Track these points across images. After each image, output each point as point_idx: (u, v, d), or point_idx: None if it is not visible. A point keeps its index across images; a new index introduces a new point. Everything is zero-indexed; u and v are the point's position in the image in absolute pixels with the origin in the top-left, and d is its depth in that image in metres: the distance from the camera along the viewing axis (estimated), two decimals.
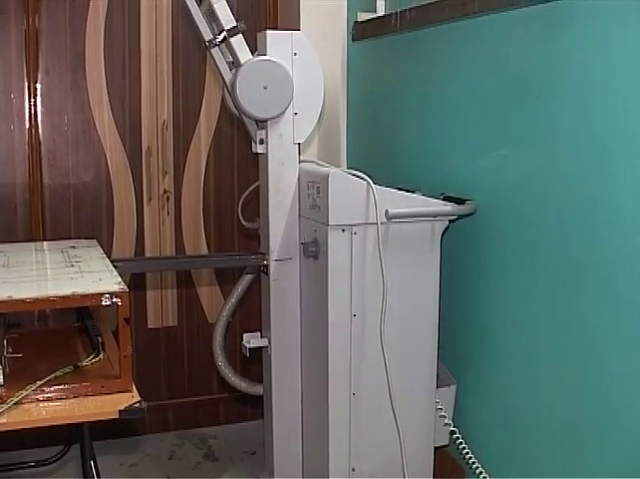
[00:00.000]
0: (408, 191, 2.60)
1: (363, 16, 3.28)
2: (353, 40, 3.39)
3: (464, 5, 2.51)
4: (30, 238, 3.50)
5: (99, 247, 2.68)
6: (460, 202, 2.58)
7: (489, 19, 2.47)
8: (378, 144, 3.28)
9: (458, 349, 2.75)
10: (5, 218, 3.50)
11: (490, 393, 2.61)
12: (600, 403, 2.09)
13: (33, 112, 3.51)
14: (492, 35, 2.48)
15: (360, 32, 3.32)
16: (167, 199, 3.72)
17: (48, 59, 3.51)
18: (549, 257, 2.26)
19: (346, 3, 3.47)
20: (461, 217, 2.60)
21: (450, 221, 2.58)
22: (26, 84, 3.48)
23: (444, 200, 2.60)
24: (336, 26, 3.47)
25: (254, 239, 2.95)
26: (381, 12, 3.20)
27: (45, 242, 3.03)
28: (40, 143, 3.53)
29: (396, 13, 2.95)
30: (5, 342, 2.11)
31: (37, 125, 3.51)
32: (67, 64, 3.54)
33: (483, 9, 2.43)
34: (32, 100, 3.50)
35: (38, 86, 3.50)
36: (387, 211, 2.42)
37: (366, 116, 3.39)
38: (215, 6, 2.56)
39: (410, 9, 2.85)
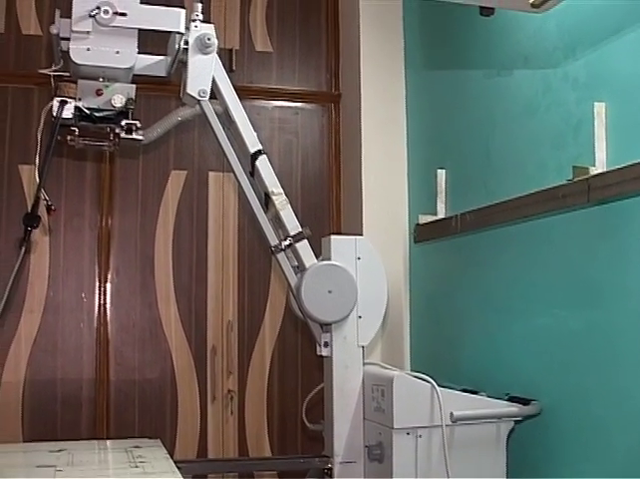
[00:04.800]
0: (472, 392, 2.60)
1: (424, 219, 3.36)
2: (415, 242, 3.47)
3: (520, 208, 2.58)
4: (94, 435, 3.52)
5: (163, 448, 2.69)
6: (525, 402, 2.55)
7: (548, 221, 2.52)
8: (441, 345, 3.28)
9: None
10: (70, 414, 3.54)
11: None
12: None
13: (102, 310, 3.61)
14: (552, 236, 2.52)
15: (421, 234, 3.39)
16: (231, 398, 3.73)
17: (119, 260, 3.65)
18: (619, 463, 2.19)
19: (407, 206, 3.58)
20: (526, 417, 2.56)
21: (515, 421, 2.55)
22: (97, 284, 3.62)
23: (508, 400, 2.58)
24: (398, 229, 3.58)
25: (318, 442, 2.92)
26: (441, 215, 3.26)
27: (109, 441, 3.05)
28: (108, 341, 3.61)
29: (456, 216, 3.04)
30: None
31: (106, 323, 3.61)
32: (137, 264, 3.68)
33: (540, 212, 2.49)
34: (102, 299, 3.62)
35: (108, 285, 3.63)
36: (452, 413, 2.41)
37: (429, 317, 3.41)
38: (282, 213, 2.66)
39: (469, 212, 2.93)
